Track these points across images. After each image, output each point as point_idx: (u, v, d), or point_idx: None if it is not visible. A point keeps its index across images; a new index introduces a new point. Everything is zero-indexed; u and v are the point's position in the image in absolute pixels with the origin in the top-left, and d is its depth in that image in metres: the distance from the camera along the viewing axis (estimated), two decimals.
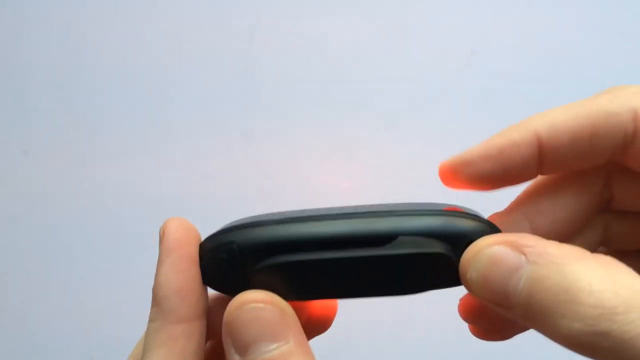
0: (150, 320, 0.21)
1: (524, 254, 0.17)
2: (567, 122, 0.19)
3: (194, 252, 0.21)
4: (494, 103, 0.58)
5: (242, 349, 0.19)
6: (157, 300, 0.21)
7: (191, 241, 0.21)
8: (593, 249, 0.23)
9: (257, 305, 0.19)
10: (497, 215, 0.23)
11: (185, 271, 0.21)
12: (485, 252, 0.18)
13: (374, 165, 0.59)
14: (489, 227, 0.20)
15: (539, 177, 0.23)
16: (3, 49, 0.61)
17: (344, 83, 0.60)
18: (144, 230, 0.59)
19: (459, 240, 0.20)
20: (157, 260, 0.21)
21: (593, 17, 0.59)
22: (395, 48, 0.60)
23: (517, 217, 0.22)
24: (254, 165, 0.59)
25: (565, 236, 0.23)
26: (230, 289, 0.21)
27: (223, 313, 0.20)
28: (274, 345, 0.19)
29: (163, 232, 0.21)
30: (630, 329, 0.15)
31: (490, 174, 0.20)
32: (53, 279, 0.59)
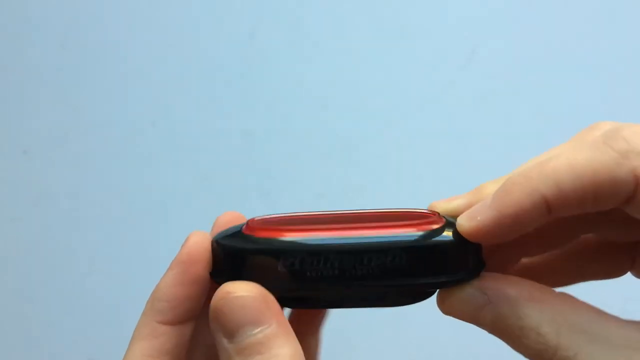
0: (142, 314, 0.23)
1: (487, 295, 0.22)
2: (573, 184, 0.20)
3: (200, 269, 0.23)
4: (494, 103, 0.58)
5: (229, 334, 0.21)
6: (151, 299, 0.23)
7: (202, 259, 0.23)
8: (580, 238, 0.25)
9: (241, 294, 0.21)
10: None
11: (184, 285, 0.23)
12: (457, 295, 0.22)
13: (374, 165, 0.59)
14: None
15: None
16: (3, 49, 0.61)
17: (343, 83, 0.60)
18: (143, 231, 0.59)
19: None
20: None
21: (593, 17, 0.59)
22: (395, 48, 0.60)
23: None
24: (254, 165, 0.59)
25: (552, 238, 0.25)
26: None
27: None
28: (258, 329, 0.21)
29: (184, 243, 0.24)
30: (569, 356, 0.20)
31: (506, 237, 0.22)
32: (53, 278, 0.59)
